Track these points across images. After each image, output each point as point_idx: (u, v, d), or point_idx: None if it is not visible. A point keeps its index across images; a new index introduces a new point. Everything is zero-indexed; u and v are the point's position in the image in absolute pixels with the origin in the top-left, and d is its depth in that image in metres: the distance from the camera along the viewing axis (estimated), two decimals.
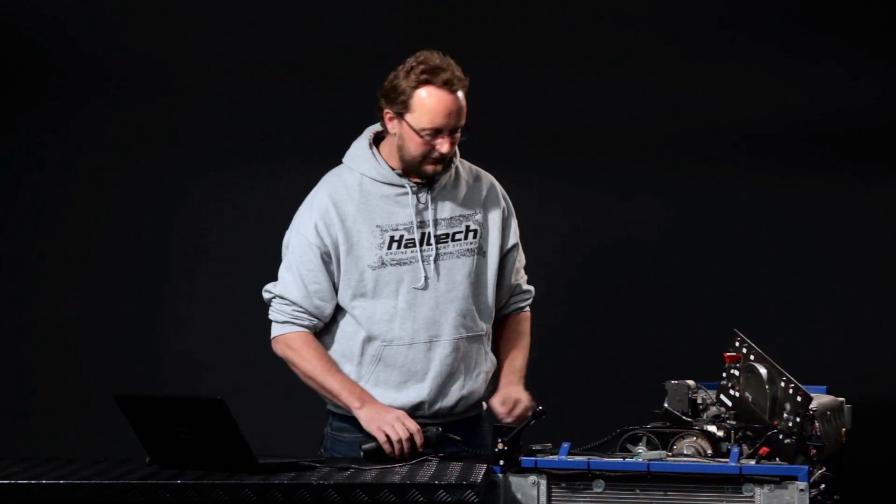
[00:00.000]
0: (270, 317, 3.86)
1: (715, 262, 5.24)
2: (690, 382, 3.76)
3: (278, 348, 3.85)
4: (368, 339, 3.82)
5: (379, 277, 3.80)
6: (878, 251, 5.19)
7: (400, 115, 3.75)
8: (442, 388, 3.82)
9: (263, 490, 3.25)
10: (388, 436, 3.66)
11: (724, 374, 3.70)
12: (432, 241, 3.83)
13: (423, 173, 3.81)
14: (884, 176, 5.19)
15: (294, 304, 3.81)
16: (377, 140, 3.88)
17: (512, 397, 3.83)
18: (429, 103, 3.73)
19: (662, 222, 5.27)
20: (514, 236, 3.96)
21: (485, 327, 3.89)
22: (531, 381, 5.16)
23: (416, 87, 3.73)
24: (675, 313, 5.22)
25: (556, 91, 5.26)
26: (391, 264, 3.80)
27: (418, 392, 3.81)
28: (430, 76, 3.73)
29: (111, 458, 3.67)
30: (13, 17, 5.39)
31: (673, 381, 3.76)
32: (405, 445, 3.64)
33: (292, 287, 3.81)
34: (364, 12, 5.26)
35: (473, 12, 5.28)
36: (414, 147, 3.76)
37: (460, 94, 3.76)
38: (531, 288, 4.03)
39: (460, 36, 5.24)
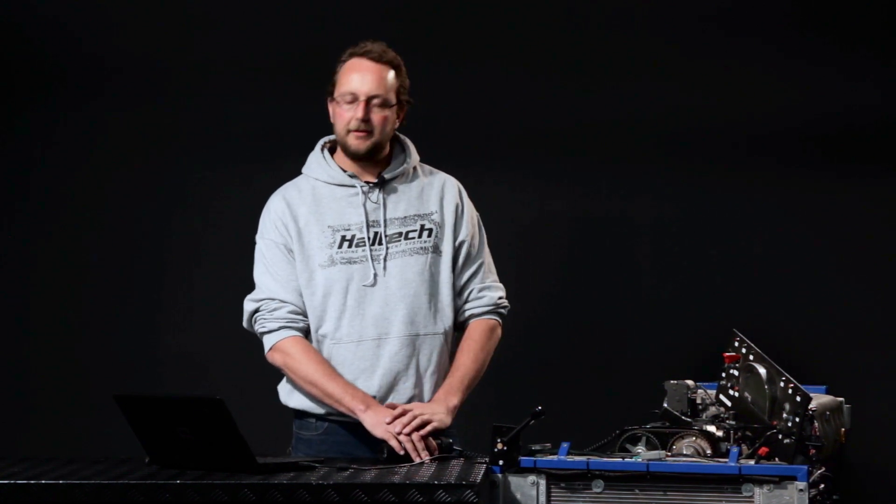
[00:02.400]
0: (261, 329, 3.84)
1: (715, 261, 5.24)
2: (690, 382, 3.77)
3: (277, 357, 3.83)
4: (319, 340, 3.82)
5: (329, 276, 3.81)
6: (877, 251, 5.19)
7: (331, 96, 3.85)
8: (392, 386, 3.81)
9: (263, 490, 3.25)
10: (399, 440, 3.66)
11: (724, 374, 3.70)
12: (383, 240, 3.84)
13: (349, 149, 3.84)
14: (884, 176, 5.20)
15: (286, 303, 3.81)
16: (332, 149, 3.94)
17: (406, 407, 3.73)
18: (347, 70, 3.84)
19: (662, 222, 5.27)
20: (463, 233, 3.91)
21: (443, 327, 3.87)
22: (530, 381, 5.18)
23: (343, 63, 3.86)
24: (674, 313, 5.22)
25: (556, 91, 5.27)
26: (341, 263, 3.81)
27: (366, 388, 3.80)
28: (353, 50, 3.86)
29: (111, 458, 3.67)
30: (13, 17, 5.39)
31: (672, 381, 3.76)
32: (418, 446, 3.64)
33: (277, 287, 3.83)
34: (364, 12, 5.26)
35: (473, 12, 5.29)
36: (339, 120, 3.83)
37: (383, 67, 3.84)
38: (493, 295, 3.94)
39: (460, 36, 5.25)
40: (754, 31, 5.22)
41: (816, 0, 5.20)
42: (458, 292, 3.92)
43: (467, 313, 3.93)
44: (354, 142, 3.83)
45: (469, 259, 3.93)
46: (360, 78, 3.81)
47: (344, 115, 3.82)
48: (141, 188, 5.38)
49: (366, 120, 3.80)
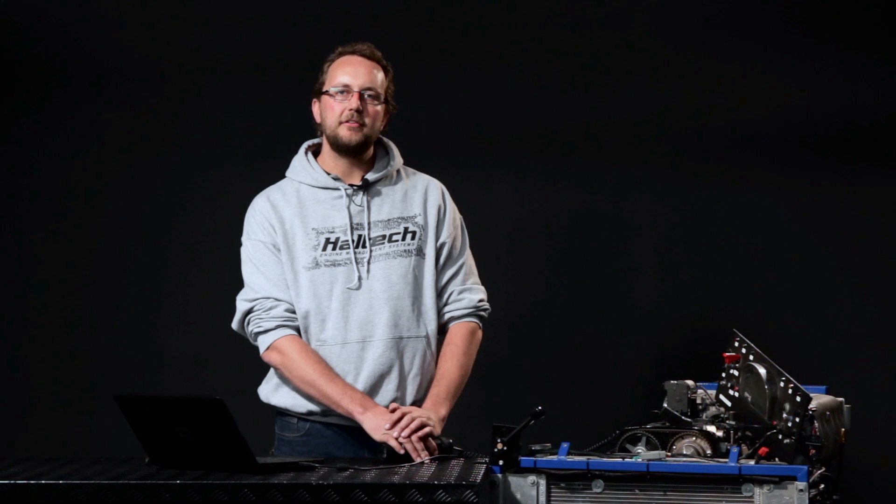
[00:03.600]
0: (258, 328, 3.83)
1: (715, 262, 5.24)
2: (690, 382, 3.77)
3: (274, 357, 3.83)
4: (306, 339, 3.82)
5: (313, 278, 3.81)
6: (877, 251, 5.19)
7: (319, 94, 3.88)
8: (375, 388, 3.82)
9: (263, 490, 3.25)
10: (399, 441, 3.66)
11: (724, 374, 3.70)
12: (367, 243, 3.84)
13: (342, 142, 3.85)
14: (884, 176, 5.20)
15: (281, 301, 3.81)
16: (315, 152, 3.96)
17: (405, 410, 3.73)
18: (340, 65, 3.88)
19: (662, 222, 5.27)
20: (444, 235, 3.92)
21: (427, 330, 3.87)
22: (530, 381, 5.17)
23: (333, 61, 3.90)
24: (674, 313, 5.22)
25: (556, 91, 5.27)
26: (325, 265, 3.82)
27: None
28: (343, 49, 3.90)
29: (111, 458, 3.67)
30: (14, 17, 5.39)
31: (672, 381, 3.76)
32: (417, 446, 3.64)
33: (270, 287, 3.83)
34: (363, 12, 5.26)
35: (472, 13, 5.29)
36: (330, 113, 3.85)
37: (375, 64, 3.88)
38: (473, 297, 3.95)
39: (459, 36, 5.25)
40: (754, 31, 5.21)
41: (816, 0, 5.20)
42: (438, 294, 3.92)
43: (447, 315, 3.93)
44: (346, 133, 3.84)
45: (450, 260, 3.94)
46: (354, 70, 3.86)
47: (336, 108, 3.84)
48: (140, 188, 5.38)
49: (360, 111, 3.82)
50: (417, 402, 3.86)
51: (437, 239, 3.92)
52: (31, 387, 5.38)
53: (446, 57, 5.28)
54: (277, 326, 3.82)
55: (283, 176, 3.99)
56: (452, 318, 3.93)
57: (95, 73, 5.37)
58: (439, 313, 3.93)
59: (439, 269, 3.92)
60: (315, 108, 3.91)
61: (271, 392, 3.90)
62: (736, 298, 5.18)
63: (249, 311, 3.84)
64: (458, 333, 3.92)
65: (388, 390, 3.83)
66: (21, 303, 5.41)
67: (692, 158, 5.24)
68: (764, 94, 5.21)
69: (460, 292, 3.94)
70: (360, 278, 3.83)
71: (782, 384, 3.50)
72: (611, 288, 5.29)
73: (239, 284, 3.93)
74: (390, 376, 3.83)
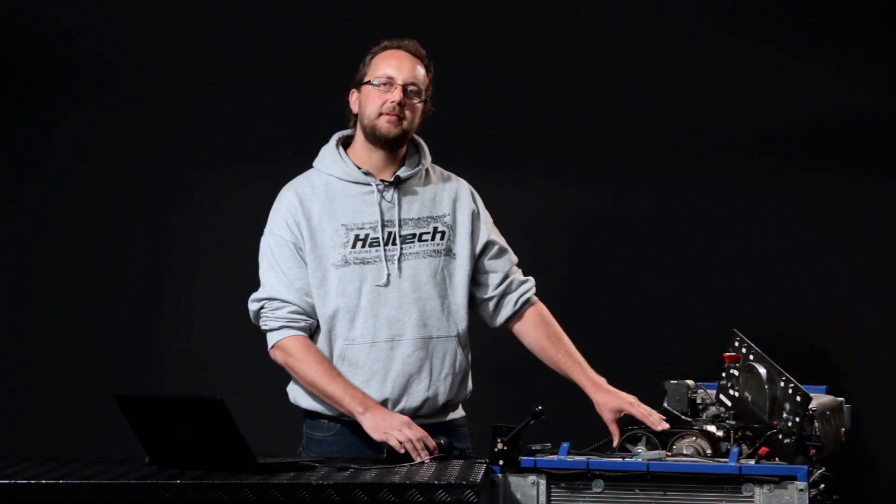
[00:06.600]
0: (264, 326, 3.84)
1: (714, 261, 5.24)
2: (690, 382, 3.77)
3: (278, 355, 3.84)
4: (333, 340, 3.83)
5: (342, 276, 3.81)
6: (878, 251, 5.19)
7: (360, 85, 3.86)
8: (405, 388, 3.82)
9: (263, 490, 3.25)
10: (399, 440, 3.66)
11: (724, 374, 3.70)
12: (397, 240, 3.84)
13: (380, 133, 3.83)
14: (884, 176, 5.19)
15: (287, 303, 3.81)
16: (345, 145, 3.94)
17: (624, 409, 3.80)
18: (385, 57, 3.87)
19: (662, 222, 5.27)
20: (485, 235, 3.95)
21: (456, 328, 3.88)
22: (532, 380, 5.17)
23: (377, 53, 3.89)
24: (674, 313, 5.22)
25: (555, 91, 5.27)
26: (354, 263, 3.81)
27: (380, 391, 3.80)
28: (389, 43, 3.89)
29: (111, 458, 3.67)
30: (14, 17, 5.39)
31: (672, 381, 3.76)
32: (417, 445, 3.64)
33: (280, 287, 3.82)
34: (363, 12, 5.27)
35: (473, 12, 5.29)
36: (371, 104, 3.83)
37: (418, 62, 3.88)
38: (530, 278, 4.02)
39: (460, 36, 5.25)
40: (754, 31, 5.22)
41: (816, 0, 5.20)
42: (493, 286, 3.95)
43: (524, 298, 3.98)
44: (385, 125, 3.83)
45: (500, 254, 3.97)
46: (399, 64, 3.84)
47: (377, 99, 3.82)
48: (141, 188, 5.38)
49: (401, 104, 3.82)
50: (451, 402, 3.89)
51: (474, 240, 3.93)
52: (31, 387, 5.38)
53: (443, 57, 5.27)
54: (281, 327, 3.82)
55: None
56: (528, 301, 3.99)
57: (95, 73, 5.37)
58: (501, 302, 3.96)
59: (493, 264, 3.95)
60: (353, 98, 3.89)
61: (299, 396, 3.90)
62: (736, 298, 5.18)
63: (260, 309, 3.86)
64: (547, 313, 4.02)
65: (418, 391, 3.83)
66: (21, 303, 5.41)
67: (692, 158, 5.24)
68: (764, 94, 5.21)
69: (524, 276, 4.00)
70: (389, 275, 3.82)
71: (782, 384, 3.50)
72: (611, 288, 5.29)
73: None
74: (420, 376, 3.83)
